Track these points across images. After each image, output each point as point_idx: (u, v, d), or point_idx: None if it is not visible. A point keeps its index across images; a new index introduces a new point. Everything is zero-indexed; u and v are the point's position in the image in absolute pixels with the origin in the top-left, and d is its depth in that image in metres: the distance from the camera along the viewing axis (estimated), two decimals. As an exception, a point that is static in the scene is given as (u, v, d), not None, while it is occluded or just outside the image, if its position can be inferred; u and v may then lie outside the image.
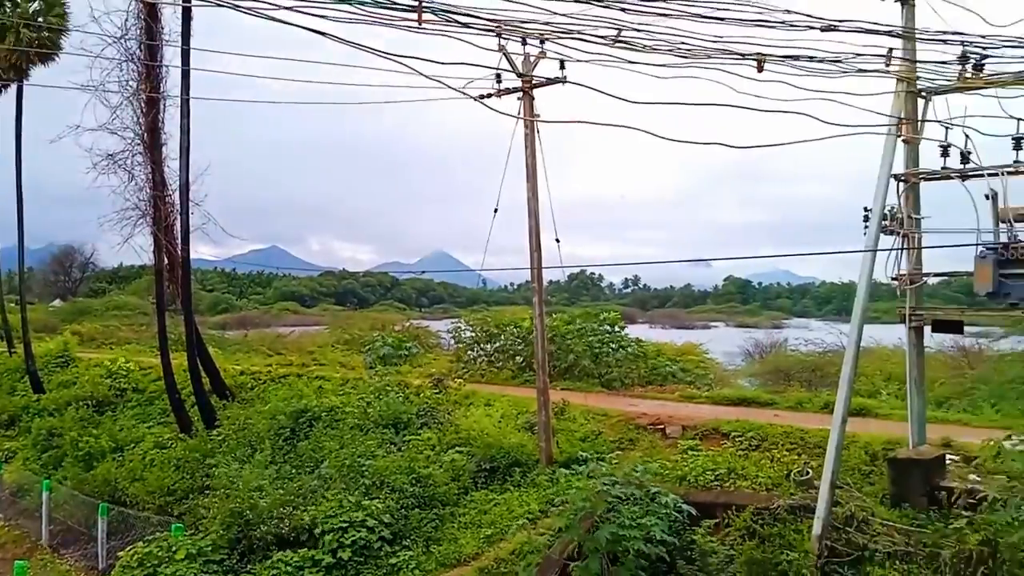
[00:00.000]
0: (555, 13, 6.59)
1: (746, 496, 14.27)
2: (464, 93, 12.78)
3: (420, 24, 6.02)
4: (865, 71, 7.10)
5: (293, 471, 19.48)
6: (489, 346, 29.78)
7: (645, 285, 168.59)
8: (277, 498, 16.74)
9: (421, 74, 6.44)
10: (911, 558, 11.63)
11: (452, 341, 34.22)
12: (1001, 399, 21.48)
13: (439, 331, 40.21)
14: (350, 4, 5.77)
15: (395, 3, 5.87)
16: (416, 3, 5.95)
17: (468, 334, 31.67)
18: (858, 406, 18.49)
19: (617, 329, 28.38)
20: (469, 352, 30.47)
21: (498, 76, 16.46)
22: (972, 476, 13.16)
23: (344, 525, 15.54)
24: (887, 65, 7.41)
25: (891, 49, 7.27)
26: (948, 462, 13.95)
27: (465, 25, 6.28)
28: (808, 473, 14.02)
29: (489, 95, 16.67)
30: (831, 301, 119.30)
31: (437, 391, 23.41)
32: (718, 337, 49.50)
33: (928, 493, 12.80)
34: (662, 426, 18.65)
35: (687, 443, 17.39)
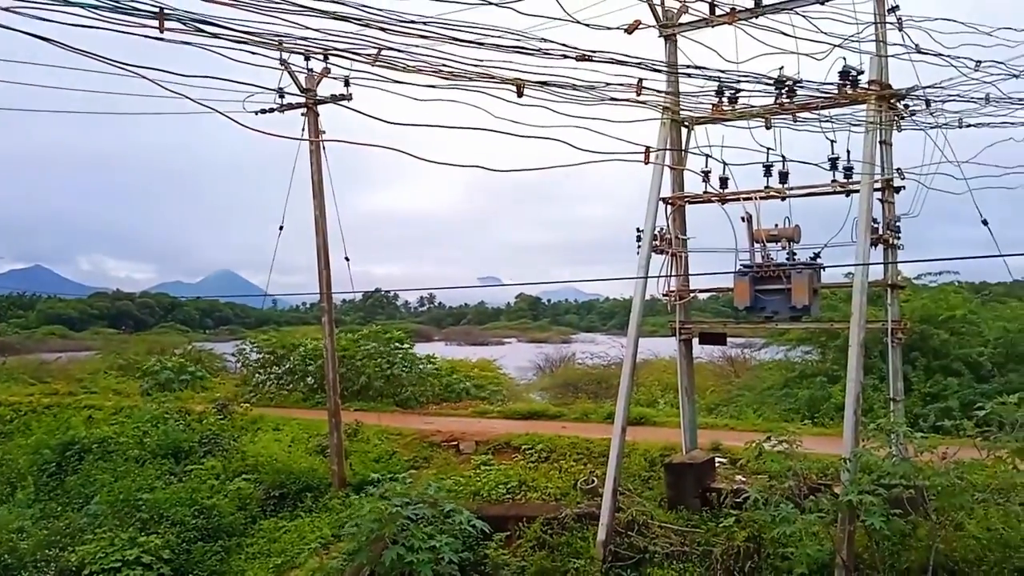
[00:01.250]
0: (308, 28, 6.47)
1: (536, 507, 14.63)
2: (240, 113, 12.28)
3: (162, 32, 5.69)
4: (616, 100, 7.55)
5: (60, 509, 17.86)
6: (278, 368, 28.75)
7: (440, 303, 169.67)
8: (41, 539, 15.26)
9: (161, 85, 6.07)
10: (687, 557, 12.42)
11: (238, 364, 32.71)
12: (762, 404, 23.51)
13: (225, 354, 38.32)
14: (83, 7, 5.33)
15: (136, 10, 5.51)
16: (157, 9, 5.60)
17: (255, 356, 30.40)
18: (637, 415, 19.54)
19: (405, 347, 28.33)
20: (257, 375, 29.25)
21: (280, 92, 15.98)
22: (739, 477, 14.27)
23: (117, 565, 14.37)
24: (637, 94, 7.92)
25: (640, 80, 7.81)
26: (718, 465, 15.06)
27: (214, 35, 6.01)
28: (593, 482, 14.62)
29: (271, 110, 16.14)
30: (615, 316, 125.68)
31: (222, 417, 22.26)
32: (511, 353, 50.73)
33: (701, 495, 13.70)
34: (456, 443, 18.77)
35: (480, 458, 17.60)
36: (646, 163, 7.17)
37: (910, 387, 19.48)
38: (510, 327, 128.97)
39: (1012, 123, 11.94)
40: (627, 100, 7.86)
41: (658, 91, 11.80)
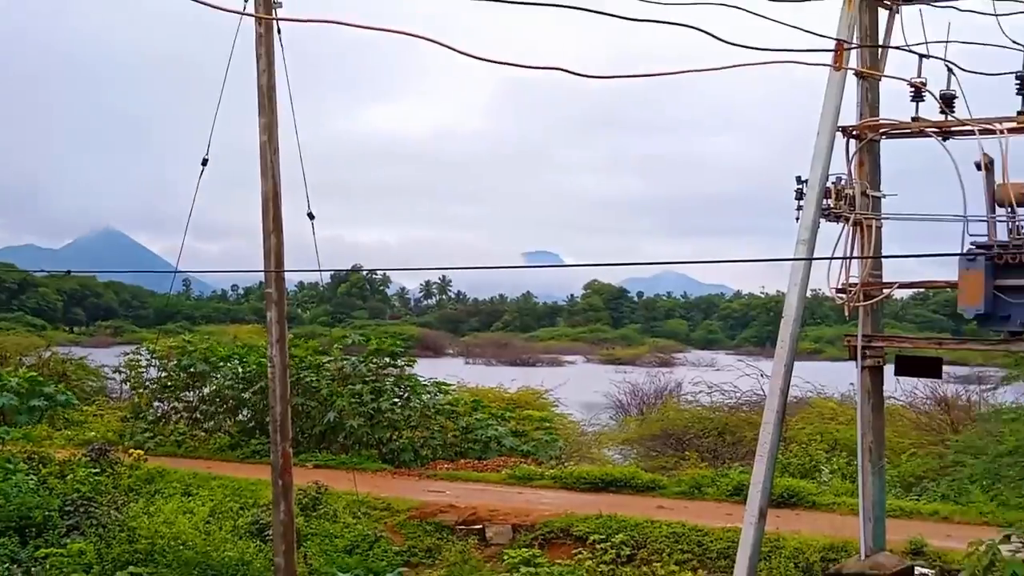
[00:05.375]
0: None
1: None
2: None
3: None
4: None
5: None
6: (192, 394, 29.07)
7: (459, 293, 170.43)
8: None
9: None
10: None
11: (126, 385, 33.14)
12: (998, 479, 23.17)
13: (105, 367, 38.84)
14: None
15: None
16: None
17: (154, 372, 30.77)
18: (786, 490, 19.40)
19: (401, 364, 28.45)
20: (157, 403, 29.62)
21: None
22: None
23: None
24: None
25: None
26: (918, 577, 14.91)
27: None
28: (708, 600, 14.57)
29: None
30: (749, 323, 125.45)
31: (99, 470, 22.57)
32: (576, 379, 50.64)
33: (888, 628, 13.59)
34: (480, 526, 18.84)
35: (520, 553, 17.64)
36: (838, 68, 7.02)
37: None
38: (574, 336, 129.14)
39: None
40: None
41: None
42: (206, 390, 28.87)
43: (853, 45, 6.33)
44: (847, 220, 13.82)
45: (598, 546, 17.36)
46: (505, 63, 6.19)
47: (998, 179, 13.00)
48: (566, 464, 25.57)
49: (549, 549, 17.78)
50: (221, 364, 28.96)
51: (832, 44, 12.49)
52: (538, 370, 69.70)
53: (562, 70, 6.33)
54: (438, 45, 5.80)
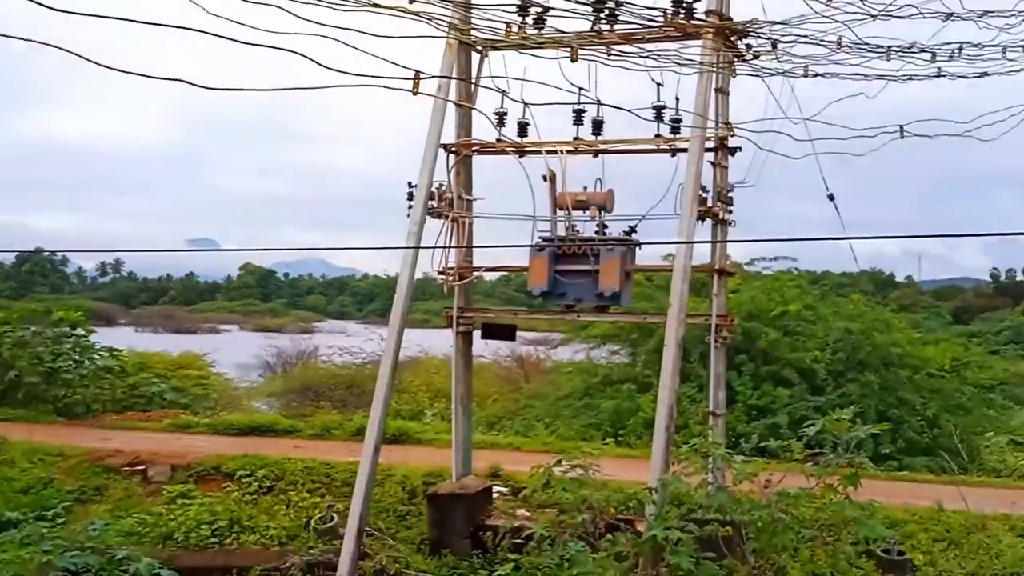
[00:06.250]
0: None
1: (252, 555, 14.41)
2: None
3: None
4: (382, 7, 7.39)
5: None
6: None
7: (130, 273, 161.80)
8: None
9: None
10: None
11: None
12: (557, 418, 24.35)
13: None
14: None
15: None
16: None
17: None
18: (397, 431, 19.67)
19: (79, 333, 26.79)
20: None
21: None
22: (521, 511, 14.70)
23: None
24: (410, 1, 7.82)
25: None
26: (496, 495, 15.45)
27: None
28: (333, 519, 14.51)
29: None
30: (374, 298, 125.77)
31: None
32: (230, 344, 49.37)
33: (472, 534, 14.02)
34: (143, 467, 18.04)
35: (177, 488, 17.03)
36: (415, 92, 7.06)
37: (734, 398, 20.89)
38: (230, 309, 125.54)
39: (865, 75, 12.95)
40: (397, 10, 7.71)
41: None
42: None
43: (428, 76, 6.48)
44: (447, 217, 14.12)
45: (243, 480, 17.00)
46: (130, 72, 5.80)
47: (559, 188, 13.62)
48: (219, 414, 24.81)
49: (202, 484, 17.24)
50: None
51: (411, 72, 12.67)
52: (199, 337, 67.27)
53: (184, 81, 6.03)
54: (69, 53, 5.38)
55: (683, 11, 12.08)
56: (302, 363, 39.12)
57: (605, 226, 13.52)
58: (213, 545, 15.06)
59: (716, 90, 13.07)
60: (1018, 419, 27.92)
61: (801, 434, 11.10)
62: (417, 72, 7.00)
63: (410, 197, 13.72)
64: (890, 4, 12.05)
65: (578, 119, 13.56)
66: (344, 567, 12.82)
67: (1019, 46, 12.81)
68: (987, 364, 31.30)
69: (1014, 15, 12.38)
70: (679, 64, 12.31)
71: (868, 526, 9.99)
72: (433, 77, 8.02)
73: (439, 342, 29.71)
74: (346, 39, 6.41)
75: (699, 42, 12.60)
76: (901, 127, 12.92)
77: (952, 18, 12.50)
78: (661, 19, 11.92)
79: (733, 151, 13.48)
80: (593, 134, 13.61)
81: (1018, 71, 13.13)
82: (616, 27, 11.59)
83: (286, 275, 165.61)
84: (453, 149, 14.28)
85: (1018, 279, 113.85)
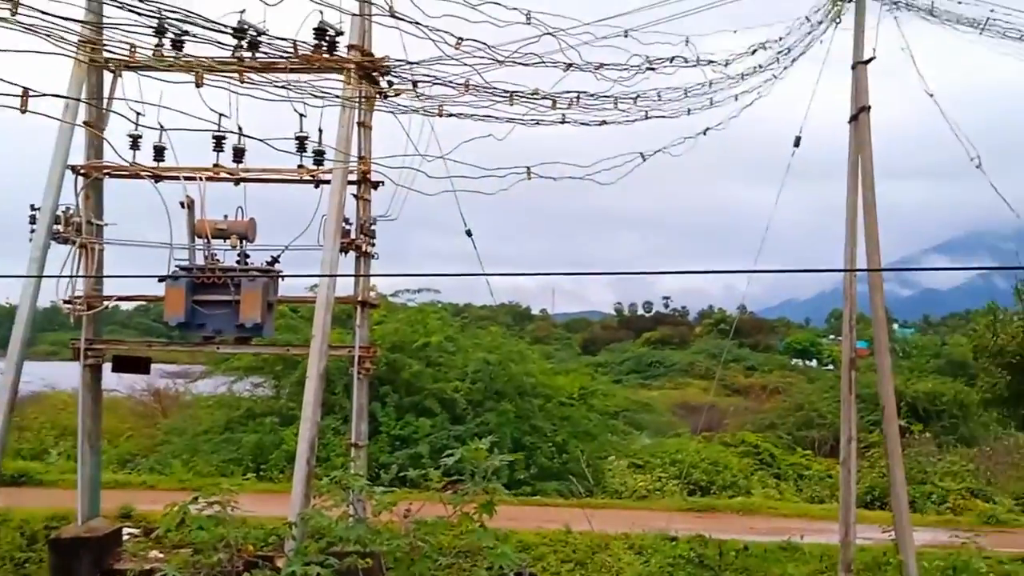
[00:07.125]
0: None
1: None
2: None
3: None
4: None
5: None
6: None
7: None
8: None
9: None
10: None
11: None
12: (196, 453, 23.56)
13: None
14: None
15: None
16: None
17: None
18: (17, 472, 18.40)
19: None
20: None
21: None
22: (154, 553, 14.06)
23: None
24: (13, 13, 7.37)
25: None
26: (127, 537, 14.67)
27: None
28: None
29: None
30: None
31: None
32: None
33: (100, 580, 13.22)
34: None
35: None
36: (23, 111, 6.65)
37: (378, 429, 21.23)
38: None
39: (496, 117, 13.60)
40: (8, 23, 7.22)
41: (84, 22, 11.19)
42: None
43: (39, 93, 6.14)
44: (75, 243, 13.31)
45: None
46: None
47: (199, 216, 13.25)
48: None
49: None
50: None
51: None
52: None
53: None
54: None
55: (326, 44, 12.17)
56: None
57: (247, 256, 13.33)
58: None
59: (359, 124, 13.23)
60: (638, 443, 30.25)
61: (441, 463, 11.42)
62: (26, 89, 6.60)
63: (32, 220, 12.82)
64: (516, 52, 12.76)
65: (218, 145, 13.25)
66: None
67: (629, 98, 13.99)
68: (611, 392, 33.79)
69: (627, 68, 13.52)
70: (316, 96, 12.37)
71: (500, 553, 10.41)
72: (48, 96, 7.49)
73: (68, 375, 27.93)
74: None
75: (342, 76, 12.74)
76: (528, 168, 13.60)
77: (572, 68, 13.38)
78: (307, 50, 11.95)
79: (376, 184, 13.70)
80: (234, 161, 13.34)
81: (632, 121, 14.36)
82: (258, 55, 11.44)
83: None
84: (82, 171, 13.47)
85: (639, 313, 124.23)
